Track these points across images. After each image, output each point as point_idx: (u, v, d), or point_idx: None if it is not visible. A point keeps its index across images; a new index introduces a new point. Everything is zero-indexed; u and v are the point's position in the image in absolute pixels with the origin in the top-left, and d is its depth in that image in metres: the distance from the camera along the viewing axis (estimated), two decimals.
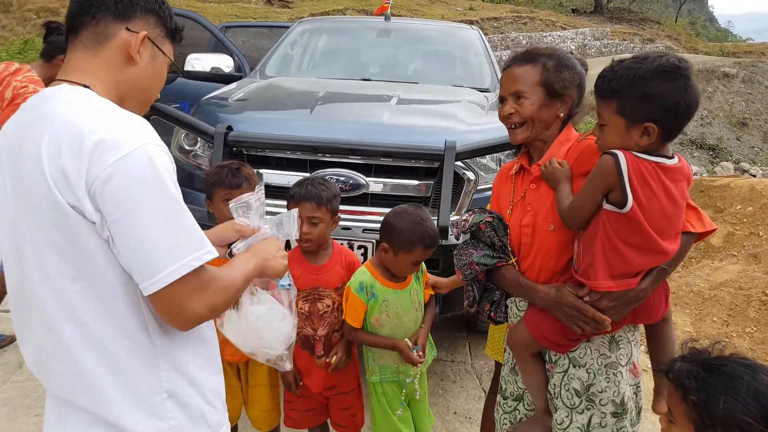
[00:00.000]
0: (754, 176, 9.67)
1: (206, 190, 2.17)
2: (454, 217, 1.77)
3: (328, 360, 2.08)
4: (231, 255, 1.38)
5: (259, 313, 1.44)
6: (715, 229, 1.58)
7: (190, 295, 1.03)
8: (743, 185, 5.99)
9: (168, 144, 3.03)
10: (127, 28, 1.14)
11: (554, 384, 1.65)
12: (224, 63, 4.37)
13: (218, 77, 4.23)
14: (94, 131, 0.98)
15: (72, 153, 0.97)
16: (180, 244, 1.01)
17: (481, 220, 1.71)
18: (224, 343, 2.13)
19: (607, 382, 1.59)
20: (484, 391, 3.13)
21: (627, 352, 1.63)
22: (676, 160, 1.44)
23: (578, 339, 1.60)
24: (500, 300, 1.82)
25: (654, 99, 1.34)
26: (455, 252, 1.79)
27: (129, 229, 0.98)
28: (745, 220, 5.45)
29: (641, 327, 1.74)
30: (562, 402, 1.62)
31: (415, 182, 2.75)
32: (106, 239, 1.01)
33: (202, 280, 1.05)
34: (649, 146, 1.40)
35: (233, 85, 3.69)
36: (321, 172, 2.75)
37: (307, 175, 2.76)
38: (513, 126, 1.68)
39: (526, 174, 1.74)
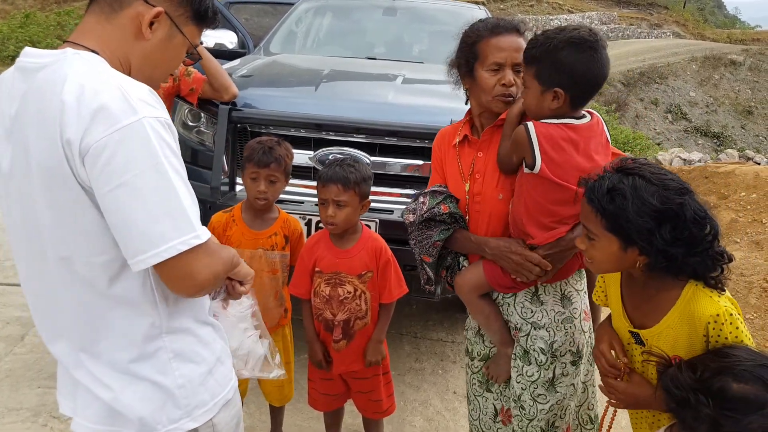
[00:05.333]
0: (759, 164, 9.63)
1: (242, 162, 2.17)
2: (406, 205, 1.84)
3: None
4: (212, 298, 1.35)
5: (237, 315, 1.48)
6: None
7: (191, 265, 1.01)
8: (748, 172, 5.96)
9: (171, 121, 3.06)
10: (145, 0, 1.09)
11: (521, 346, 1.76)
12: (228, 39, 4.32)
13: (222, 53, 4.18)
14: (93, 98, 0.96)
15: (73, 118, 0.95)
16: (165, 228, 0.98)
17: (437, 202, 1.76)
18: None
19: (565, 336, 1.73)
20: None
21: (579, 305, 1.76)
22: (587, 118, 1.59)
23: (523, 284, 1.71)
24: (453, 264, 1.88)
25: (563, 67, 1.50)
26: (413, 240, 1.83)
27: (115, 206, 0.97)
28: (748, 207, 5.44)
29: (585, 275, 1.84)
30: (534, 360, 1.74)
31: (420, 162, 2.74)
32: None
33: (207, 250, 1.04)
34: (559, 110, 1.55)
35: (237, 62, 3.66)
36: (325, 150, 2.74)
37: (312, 153, 2.75)
38: (509, 97, 1.67)
39: (471, 144, 1.79)
